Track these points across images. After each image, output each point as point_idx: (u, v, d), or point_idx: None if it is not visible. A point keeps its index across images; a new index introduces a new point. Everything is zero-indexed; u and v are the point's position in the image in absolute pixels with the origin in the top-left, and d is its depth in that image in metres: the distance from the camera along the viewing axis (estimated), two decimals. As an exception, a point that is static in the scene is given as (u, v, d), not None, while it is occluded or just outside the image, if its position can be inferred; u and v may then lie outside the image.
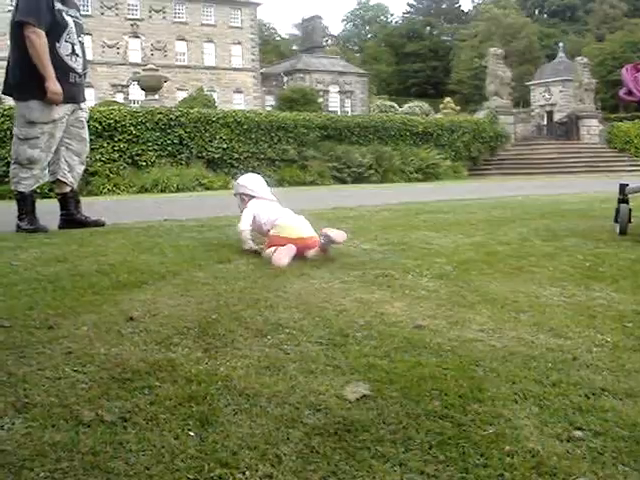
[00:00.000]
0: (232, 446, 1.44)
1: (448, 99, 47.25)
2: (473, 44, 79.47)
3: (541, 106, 57.87)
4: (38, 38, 4.97)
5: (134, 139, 17.94)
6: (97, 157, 17.24)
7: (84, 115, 5.54)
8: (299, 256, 3.70)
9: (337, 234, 3.63)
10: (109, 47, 53.19)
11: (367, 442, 1.46)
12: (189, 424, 1.56)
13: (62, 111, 5.24)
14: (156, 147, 18.34)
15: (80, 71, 5.39)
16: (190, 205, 9.10)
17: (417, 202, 7.37)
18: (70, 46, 5.25)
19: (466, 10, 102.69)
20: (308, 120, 21.59)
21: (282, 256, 3.58)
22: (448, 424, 1.56)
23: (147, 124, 18.13)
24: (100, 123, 17.47)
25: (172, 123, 18.65)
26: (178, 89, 50.13)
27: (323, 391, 1.74)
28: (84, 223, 5.53)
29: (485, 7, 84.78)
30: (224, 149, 19.55)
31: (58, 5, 5.14)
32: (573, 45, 67.43)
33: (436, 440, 1.47)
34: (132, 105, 34.56)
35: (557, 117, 53.82)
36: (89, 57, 53.17)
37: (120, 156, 17.57)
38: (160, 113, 18.66)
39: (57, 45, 5.15)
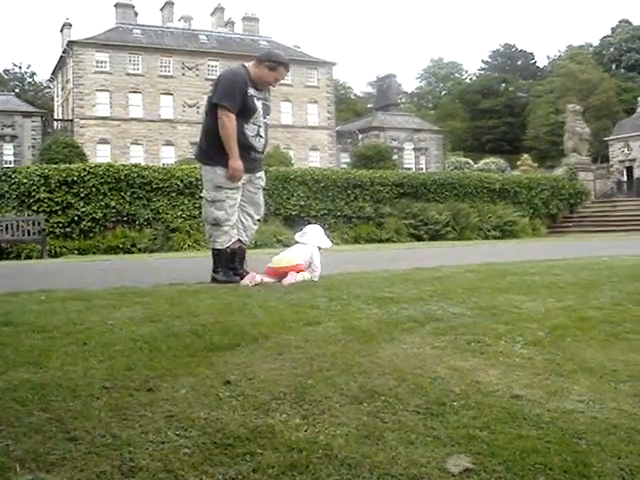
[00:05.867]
0: (340, 519, 1.44)
1: (525, 156, 46.88)
2: (549, 100, 79.19)
3: (620, 162, 56.86)
4: (229, 121, 5.52)
5: (214, 196, 18.33)
6: (178, 214, 17.70)
7: (260, 183, 6.07)
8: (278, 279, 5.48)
9: (288, 279, 5.37)
10: (189, 107, 54.98)
11: (475, 519, 1.44)
12: (293, 494, 1.55)
13: (242, 179, 5.75)
14: (235, 204, 18.70)
15: (260, 150, 5.92)
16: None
17: (499, 262, 7.27)
18: (256, 128, 5.78)
19: (541, 66, 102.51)
20: (384, 177, 21.77)
21: (249, 281, 5.34)
22: (556, 501, 1.52)
23: (227, 182, 18.52)
24: (181, 181, 17.98)
25: (251, 181, 19.02)
26: (255, 147, 51.15)
27: (424, 463, 1.71)
28: None
29: (561, 63, 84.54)
30: (301, 206, 19.81)
31: (251, 91, 5.65)
32: (653, 100, 66.20)
33: (546, 519, 1.44)
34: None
35: (637, 173, 52.73)
36: (170, 117, 55.47)
37: (201, 213, 17.97)
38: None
39: (245, 126, 5.68)
